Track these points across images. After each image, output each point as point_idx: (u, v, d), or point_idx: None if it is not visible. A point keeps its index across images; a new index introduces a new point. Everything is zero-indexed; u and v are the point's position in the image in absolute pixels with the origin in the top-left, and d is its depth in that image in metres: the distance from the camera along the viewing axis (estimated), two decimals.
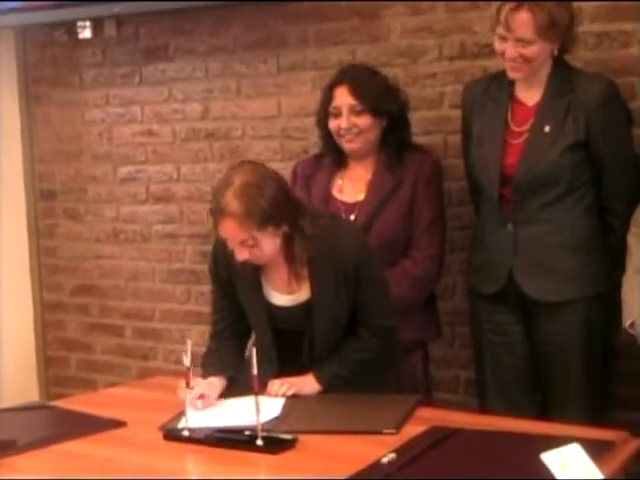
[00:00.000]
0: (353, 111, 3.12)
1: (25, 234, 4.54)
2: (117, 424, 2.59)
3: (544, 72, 2.97)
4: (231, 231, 2.59)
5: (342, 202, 3.20)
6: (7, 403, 3.65)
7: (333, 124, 3.16)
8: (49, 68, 4.43)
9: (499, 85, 3.06)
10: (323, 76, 3.50)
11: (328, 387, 2.72)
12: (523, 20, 2.86)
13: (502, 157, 2.99)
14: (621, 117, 2.98)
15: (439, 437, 2.30)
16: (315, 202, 3.17)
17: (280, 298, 2.76)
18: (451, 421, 2.46)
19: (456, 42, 3.47)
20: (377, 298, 2.76)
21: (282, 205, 2.60)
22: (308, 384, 2.72)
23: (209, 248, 2.97)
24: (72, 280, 4.50)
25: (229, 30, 3.93)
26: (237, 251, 2.62)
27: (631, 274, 2.81)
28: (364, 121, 3.13)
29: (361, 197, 3.18)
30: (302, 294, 2.74)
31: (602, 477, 1.99)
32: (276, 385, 2.69)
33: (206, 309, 3.45)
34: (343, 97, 3.14)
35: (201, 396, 2.63)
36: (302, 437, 2.37)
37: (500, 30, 2.91)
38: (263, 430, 2.35)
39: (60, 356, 4.58)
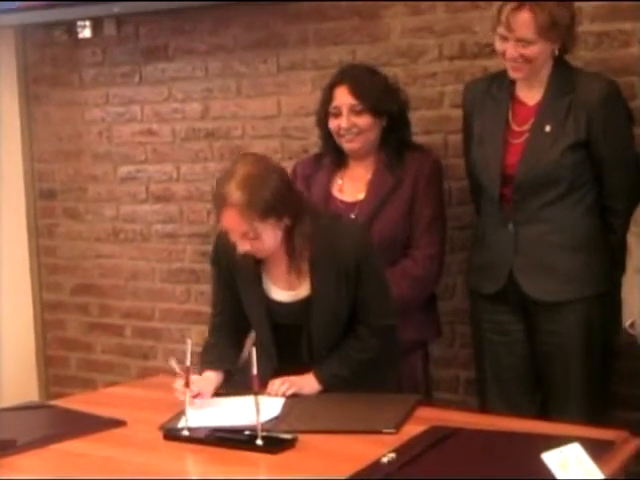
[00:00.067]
0: (353, 111, 3.13)
1: (25, 233, 4.54)
2: (117, 423, 2.59)
3: (545, 72, 2.97)
4: (233, 222, 2.59)
5: (342, 202, 3.20)
6: (7, 402, 3.65)
7: (333, 124, 3.16)
8: (49, 68, 4.43)
9: (500, 85, 3.06)
10: (323, 76, 3.50)
11: (328, 387, 2.72)
12: (524, 20, 2.86)
13: (503, 157, 2.99)
14: (622, 117, 2.99)
15: (439, 437, 2.30)
16: (315, 202, 3.17)
17: (280, 294, 2.76)
18: (451, 421, 2.46)
19: (456, 42, 3.47)
20: (377, 296, 2.76)
21: (284, 197, 2.61)
22: (308, 383, 2.72)
23: (209, 248, 2.97)
24: (72, 279, 4.50)
25: (229, 30, 3.93)
26: (239, 243, 2.63)
27: (631, 274, 2.81)
28: (364, 121, 3.13)
29: (361, 197, 3.18)
30: (302, 290, 2.73)
31: (602, 477, 1.99)
32: (276, 384, 2.69)
33: (206, 309, 3.45)
34: (343, 97, 3.14)
35: (197, 395, 2.63)
36: (302, 437, 2.37)
37: (501, 30, 2.91)
38: (263, 430, 2.35)
39: (60, 355, 4.58)
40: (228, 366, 2.78)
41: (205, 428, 2.47)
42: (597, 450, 2.08)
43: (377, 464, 2.16)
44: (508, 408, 3.00)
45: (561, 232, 2.97)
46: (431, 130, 3.52)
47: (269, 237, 2.62)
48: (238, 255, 2.67)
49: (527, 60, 2.91)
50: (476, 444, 2.31)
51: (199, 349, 2.84)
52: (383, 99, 3.15)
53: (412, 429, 2.40)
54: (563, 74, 2.97)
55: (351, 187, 3.22)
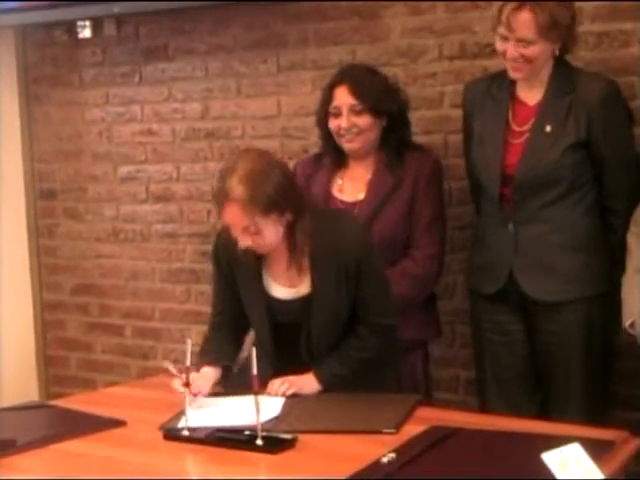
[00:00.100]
0: (353, 111, 3.13)
1: (25, 233, 4.54)
2: (117, 423, 2.59)
3: (545, 72, 2.97)
4: (234, 216, 2.59)
5: (342, 201, 3.20)
6: (7, 402, 3.65)
7: (333, 124, 3.16)
8: (49, 68, 4.43)
9: (500, 85, 3.06)
10: (323, 76, 3.50)
11: (328, 386, 2.72)
12: (524, 20, 2.86)
13: (503, 157, 2.99)
14: (622, 117, 2.99)
15: (439, 437, 2.30)
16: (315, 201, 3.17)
17: (280, 291, 2.76)
18: (451, 421, 2.46)
19: (456, 42, 3.47)
20: (378, 296, 2.76)
21: (286, 193, 2.61)
22: (308, 383, 2.72)
23: (209, 248, 2.97)
24: (72, 279, 4.50)
25: (229, 30, 3.93)
26: (240, 238, 2.63)
27: (631, 274, 2.81)
28: (364, 121, 3.13)
29: (361, 196, 3.18)
30: (302, 288, 2.73)
31: (602, 477, 1.99)
32: (276, 384, 2.69)
33: (206, 309, 3.44)
34: (343, 97, 3.14)
35: (195, 394, 2.63)
36: (302, 437, 2.37)
37: (501, 30, 2.91)
38: (263, 430, 2.35)
39: (60, 355, 4.58)
40: (226, 362, 2.77)
41: (205, 428, 2.47)
42: (597, 450, 2.08)
43: (377, 464, 2.16)
44: (508, 408, 3.00)
45: (561, 232, 2.97)
46: (431, 130, 3.52)
47: (271, 232, 2.63)
48: (239, 252, 2.67)
49: (527, 60, 2.91)
50: (476, 444, 2.31)
51: (199, 349, 2.84)
52: (383, 99, 3.15)
53: (412, 429, 2.39)
54: (563, 74, 2.97)
55: (351, 187, 3.22)
